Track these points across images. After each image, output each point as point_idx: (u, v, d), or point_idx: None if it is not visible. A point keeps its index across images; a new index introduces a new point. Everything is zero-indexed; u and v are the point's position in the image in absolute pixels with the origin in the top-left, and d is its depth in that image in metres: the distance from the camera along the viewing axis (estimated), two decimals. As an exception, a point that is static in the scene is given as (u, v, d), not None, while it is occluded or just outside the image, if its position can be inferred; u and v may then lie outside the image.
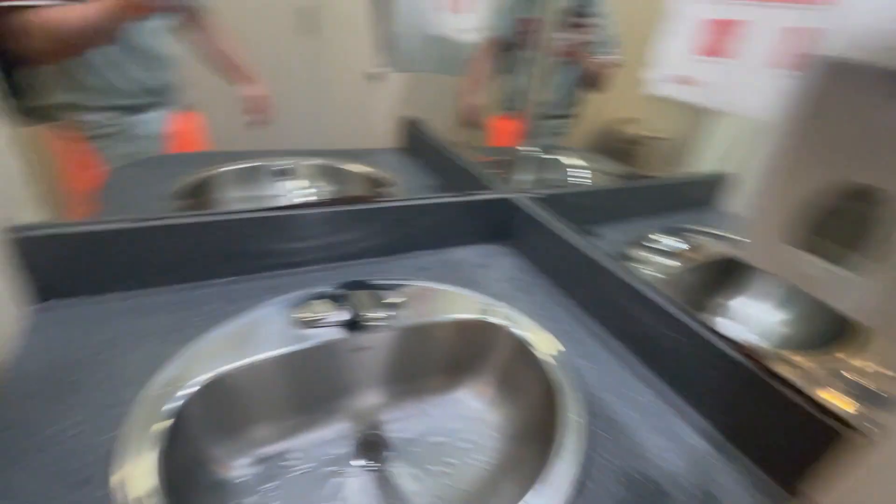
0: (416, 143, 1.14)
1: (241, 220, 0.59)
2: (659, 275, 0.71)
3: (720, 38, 0.45)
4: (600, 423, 0.49)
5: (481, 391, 0.63)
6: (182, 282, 0.59)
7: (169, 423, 0.42)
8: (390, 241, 0.72)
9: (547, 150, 1.06)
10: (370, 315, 0.47)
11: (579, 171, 1.02)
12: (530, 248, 0.77)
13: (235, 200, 0.91)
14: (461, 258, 0.76)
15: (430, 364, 0.63)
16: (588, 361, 0.57)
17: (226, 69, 0.84)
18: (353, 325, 0.56)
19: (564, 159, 1.03)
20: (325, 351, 0.55)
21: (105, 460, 0.38)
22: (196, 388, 0.46)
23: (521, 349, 0.59)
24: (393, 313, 0.47)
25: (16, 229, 0.49)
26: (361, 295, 0.56)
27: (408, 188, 0.94)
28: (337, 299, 0.56)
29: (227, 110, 1.09)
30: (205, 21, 0.83)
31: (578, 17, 0.71)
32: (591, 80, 0.93)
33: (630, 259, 0.74)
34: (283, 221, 0.62)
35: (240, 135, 1.12)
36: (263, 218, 0.61)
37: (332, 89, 1.21)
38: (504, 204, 0.80)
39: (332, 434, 0.57)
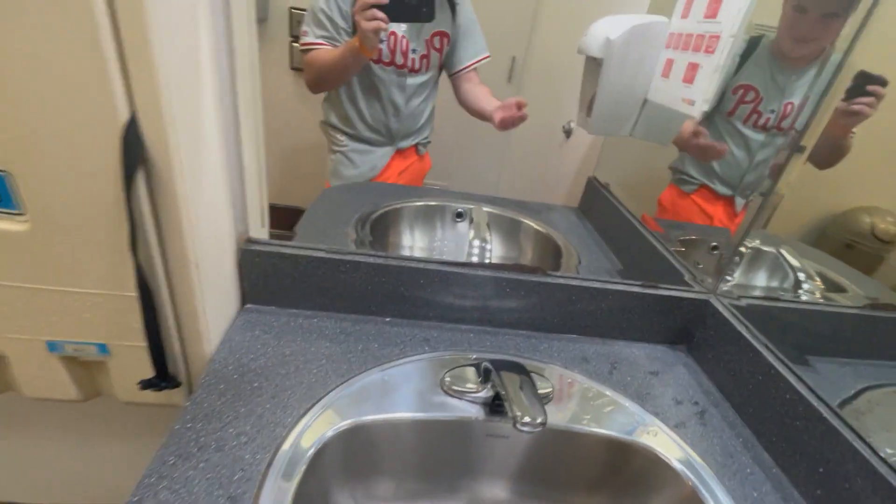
0: (598, 205, 1.06)
1: (412, 268, 0.61)
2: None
3: None
4: None
5: (624, 534, 0.52)
6: (351, 311, 0.63)
7: (309, 459, 0.43)
8: (554, 318, 0.66)
9: (765, 241, 0.87)
10: (519, 415, 0.42)
11: (807, 277, 0.81)
12: (716, 361, 0.62)
13: (412, 234, 0.96)
14: (629, 356, 0.66)
15: (568, 475, 0.55)
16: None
17: (479, 113, 0.96)
18: (496, 409, 0.51)
19: (791, 258, 0.83)
20: (460, 426, 0.51)
21: (256, 480, 0.41)
22: (336, 431, 0.47)
23: (689, 497, 0.47)
24: (540, 419, 0.41)
25: (249, 241, 0.58)
26: (514, 380, 0.52)
27: (580, 258, 0.87)
28: (488, 375, 0.52)
29: (445, 150, 1.20)
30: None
31: (878, 83, 0.54)
32: (834, 154, 0.71)
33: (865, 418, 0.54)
34: (451, 276, 0.62)
35: (438, 172, 1.22)
36: (433, 270, 0.61)
37: (525, 139, 1.22)
38: (695, 304, 0.67)
39: (447, 516, 0.53)
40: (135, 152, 0.40)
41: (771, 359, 0.54)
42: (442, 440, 0.52)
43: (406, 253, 0.95)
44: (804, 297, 0.77)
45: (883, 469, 0.41)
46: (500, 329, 0.66)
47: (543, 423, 0.42)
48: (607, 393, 0.57)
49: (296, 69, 1.01)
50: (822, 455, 0.47)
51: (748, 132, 0.75)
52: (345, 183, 1.01)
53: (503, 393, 0.46)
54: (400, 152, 1.04)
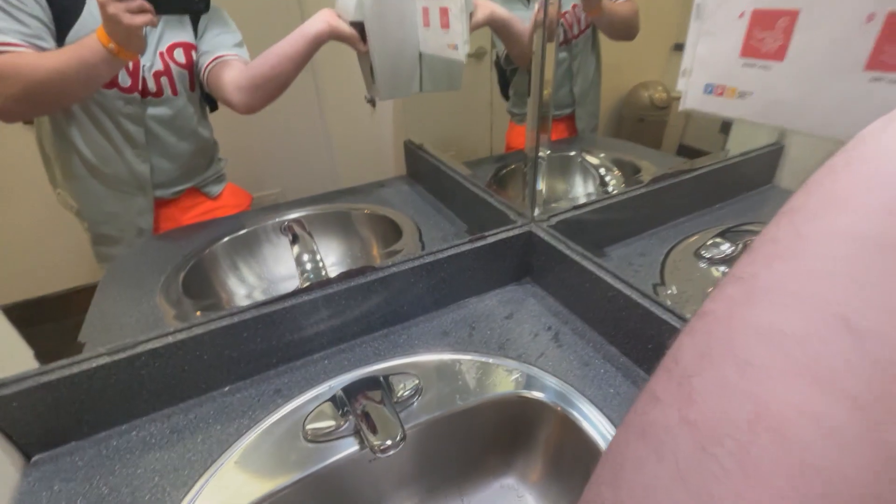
0: (422, 168, 1.05)
1: (225, 327, 0.53)
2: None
3: (772, 34, 0.34)
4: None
5: (529, 478, 0.55)
6: (177, 401, 0.54)
7: None
8: (402, 306, 0.64)
9: (567, 150, 0.94)
10: (376, 444, 0.39)
11: (607, 170, 0.90)
12: (556, 282, 0.67)
13: (240, 276, 0.85)
14: (484, 310, 0.67)
15: (466, 450, 0.55)
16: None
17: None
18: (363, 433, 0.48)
19: (591, 158, 0.92)
20: (340, 469, 0.47)
21: None
22: (195, 555, 0.40)
23: (568, 425, 0.50)
24: (397, 437, 0.40)
25: (-14, 388, 0.45)
26: (370, 397, 0.49)
27: (419, 231, 0.86)
28: (343, 407, 0.49)
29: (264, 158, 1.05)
30: None
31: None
32: (619, 26, 0.79)
33: (670, 281, 0.63)
34: (280, 315, 0.55)
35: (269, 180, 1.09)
36: (251, 320, 0.54)
37: (337, 119, 1.14)
38: (522, 238, 0.70)
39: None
40: None
41: (589, 265, 0.59)
42: (330, 488, 0.48)
43: (244, 301, 0.84)
44: (609, 191, 0.87)
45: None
46: (354, 341, 0.62)
47: (403, 439, 0.40)
48: (470, 358, 0.58)
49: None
50: (646, 333, 0.53)
51: None
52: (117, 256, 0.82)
53: (360, 429, 0.43)
54: (171, 203, 0.85)
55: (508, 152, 0.97)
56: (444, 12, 0.76)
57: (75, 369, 0.47)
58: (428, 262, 0.63)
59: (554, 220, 0.68)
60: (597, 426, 0.48)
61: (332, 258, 0.91)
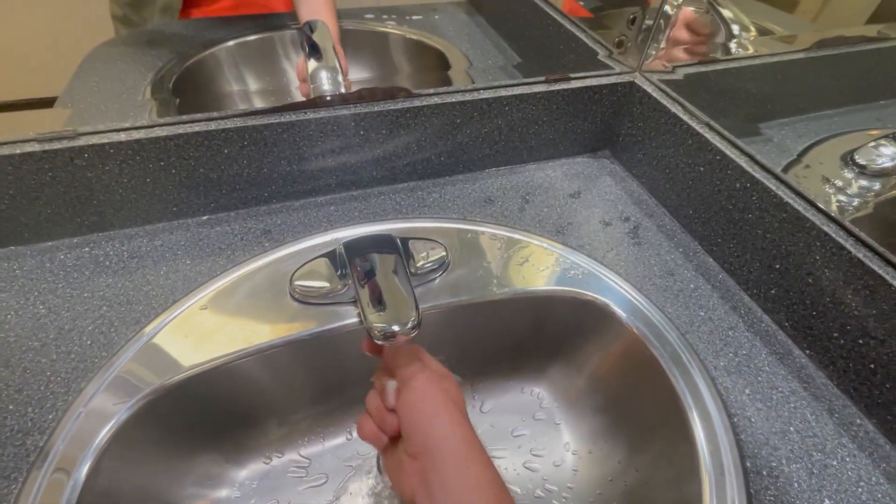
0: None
1: (208, 132, 0.39)
2: None
3: None
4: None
5: (564, 395, 0.44)
6: (142, 222, 0.42)
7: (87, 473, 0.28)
8: (440, 155, 0.49)
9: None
10: (377, 327, 0.27)
11: (742, 27, 0.65)
12: (648, 160, 0.49)
13: (242, 90, 0.69)
14: (543, 181, 0.51)
15: (490, 344, 0.44)
16: (742, 377, 0.35)
17: None
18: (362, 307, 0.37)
19: (722, 7, 0.66)
20: (331, 340, 0.37)
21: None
22: (133, 408, 0.31)
23: (634, 346, 0.38)
24: (410, 323, 0.28)
25: None
26: (379, 264, 0.36)
27: (470, 63, 0.66)
28: (343, 268, 0.36)
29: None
30: None
31: None
32: None
33: (835, 187, 0.44)
34: (274, 133, 0.41)
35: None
36: (243, 128, 0.39)
37: None
38: (617, 90, 0.50)
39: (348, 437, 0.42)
40: None
41: (716, 140, 0.41)
42: (314, 360, 0.39)
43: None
44: (744, 53, 0.63)
45: (863, 253, 0.32)
46: (371, 189, 0.48)
47: (416, 327, 0.28)
48: (520, 237, 0.44)
49: None
50: (781, 248, 0.37)
51: None
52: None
53: (357, 300, 0.30)
54: None
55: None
56: None
57: (5, 150, 0.35)
58: (484, 98, 0.45)
59: (679, 73, 0.47)
60: (675, 357, 0.35)
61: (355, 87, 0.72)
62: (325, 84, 0.55)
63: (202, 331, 0.35)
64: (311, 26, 0.60)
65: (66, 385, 0.32)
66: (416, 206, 0.47)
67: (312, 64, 0.60)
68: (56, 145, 0.36)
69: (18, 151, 0.35)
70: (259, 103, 0.71)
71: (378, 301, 0.29)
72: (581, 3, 0.66)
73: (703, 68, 0.49)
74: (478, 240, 0.44)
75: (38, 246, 0.40)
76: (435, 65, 0.70)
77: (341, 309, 0.37)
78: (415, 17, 0.82)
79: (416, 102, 0.44)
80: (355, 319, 0.36)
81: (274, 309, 0.36)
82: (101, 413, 0.30)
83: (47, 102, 0.55)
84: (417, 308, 0.29)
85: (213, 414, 0.37)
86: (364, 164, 0.46)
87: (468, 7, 0.87)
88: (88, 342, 0.34)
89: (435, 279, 0.39)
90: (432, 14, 0.84)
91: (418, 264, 0.38)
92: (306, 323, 0.36)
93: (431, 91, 0.45)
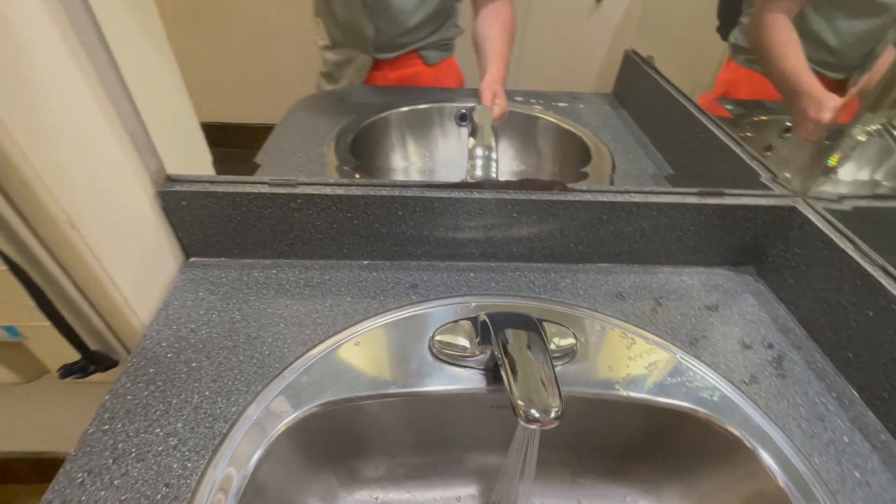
0: (638, 87, 0.83)
1: (384, 196, 0.46)
2: None
3: None
4: None
5: (670, 512, 0.42)
6: (319, 256, 0.50)
7: (255, 463, 0.34)
8: (578, 245, 0.51)
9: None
10: (522, 406, 0.30)
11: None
12: (802, 287, 0.47)
13: (404, 150, 0.79)
14: (679, 287, 0.51)
15: (602, 443, 0.44)
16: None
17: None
18: (498, 375, 0.39)
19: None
20: (457, 399, 0.40)
21: (185, 499, 0.32)
22: (291, 423, 0.36)
23: (769, 490, 0.35)
24: (553, 413, 0.30)
25: (169, 180, 0.45)
26: (517, 337, 0.39)
27: (614, 161, 0.69)
28: (485, 333, 0.40)
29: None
30: None
31: None
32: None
33: None
34: (437, 203, 0.47)
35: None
36: (412, 198, 0.46)
37: (545, 9, 0.95)
38: (774, 212, 0.49)
39: (454, 495, 0.44)
40: None
41: (893, 288, 0.38)
42: (437, 414, 0.42)
43: (399, 176, 0.79)
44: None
45: None
46: (508, 263, 0.52)
47: (559, 417, 0.30)
48: (649, 340, 0.44)
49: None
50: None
51: None
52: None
53: (503, 372, 0.33)
54: (387, 63, 0.80)
55: (734, 98, 0.69)
56: None
57: (239, 188, 0.45)
58: (634, 201, 0.48)
59: (846, 204, 0.45)
60: (821, 514, 0.32)
61: (503, 163, 0.79)
62: (480, 161, 0.62)
63: (353, 367, 0.40)
64: (473, 108, 0.68)
65: (246, 385, 0.38)
66: (548, 287, 0.50)
67: (472, 141, 0.68)
68: (280, 189, 0.45)
69: (255, 191, 0.45)
70: (418, 164, 0.81)
71: (525, 380, 0.32)
72: (723, 105, 0.66)
73: (878, 203, 0.47)
74: (606, 333, 0.45)
75: (241, 261, 0.50)
76: (578, 154, 0.74)
77: (473, 374, 0.40)
78: (560, 104, 0.88)
79: (570, 196, 0.47)
80: (483, 386, 0.39)
81: (413, 359, 0.41)
82: (272, 416, 0.36)
83: (264, 129, 0.69)
84: (562, 398, 0.31)
85: (338, 440, 0.41)
86: (507, 240, 0.51)
87: (612, 99, 0.91)
88: (267, 352, 0.41)
89: (558, 366, 0.41)
90: (577, 103, 0.89)
91: (549, 347, 0.40)
92: (440, 379, 0.39)
93: (585, 188, 0.48)
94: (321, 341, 0.42)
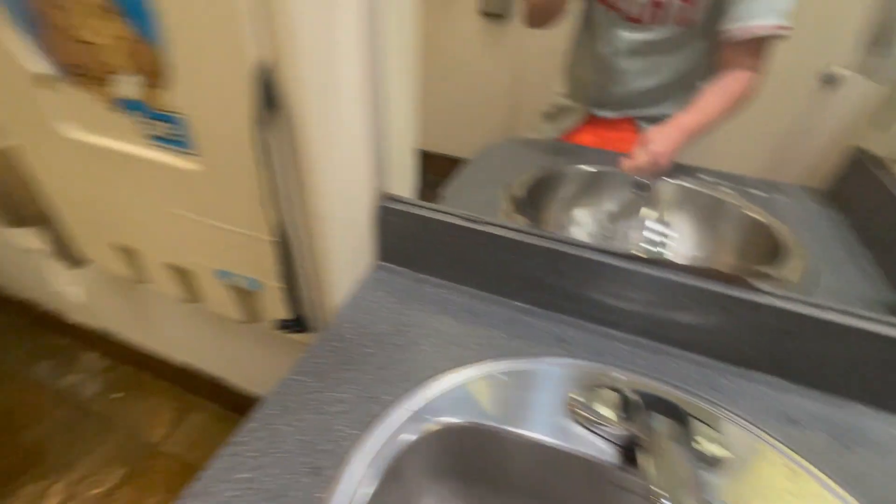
0: (861, 189, 0.73)
1: (553, 250, 0.49)
2: None
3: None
4: None
5: None
6: (483, 288, 0.56)
7: (394, 455, 0.39)
8: (748, 349, 0.47)
9: None
10: (662, 495, 0.29)
11: None
12: None
13: (575, 206, 0.82)
14: (878, 434, 0.43)
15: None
16: None
17: None
18: (633, 456, 0.39)
19: None
20: (580, 464, 0.41)
21: (341, 456, 0.39)
22: (435, 428, 0.41)
23: None
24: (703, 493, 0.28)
25: (388, 198, 0.55)
26: (663, 424, 0.38)
27: (811, 266, 0.61)
28: (633, 410, 0.40)
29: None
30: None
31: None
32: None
33: None
34: (602, 268, 0.48)
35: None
36: (577, 257, 0.49)
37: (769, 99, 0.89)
38: None
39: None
40: (267, 97, 0.38)
41: None
42: (552, 469, 0.43)
43: (563, 230, 0.82)
44: None
45: None
46: (664, 346, 0.50)
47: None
48: (824, 484, 0.38)
49: (488, 14, 0.92)
50: None
51: None
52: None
53: (641, 455, 0.33)
54: (601, 122, 0.84)
55: None
56: None
57: (435, 215, 0.53)
58: (831, 320, 0.43)
59: None
60: None
61: (680, 245, 0.76)
62: (650, 233, 0.62)
63: (496, 395, 0.44)
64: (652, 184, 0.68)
65: (404, 380, 0.45)
66: (702, 384, 0.47)
67: (645, 211, 0.67)
68: (468, 224, 0.52)
69: (447, 220, 0.53)
70: (580, 221, 0.83)
71: (668, 473, 0.31)
72: None
73: None
74: (766, 456, 0.40)
75: (418, 275, 0.58)
76: (762, 250, 0.68)
77: (604, 444, 0.40)
78: (754, 192, 0.81)
79: (751, 296, 0.45)
80: (608, 459, 0.39)
81: (547, 409, 0.42)
82: (420, 416, 0.41)
83: (450, 160, 0.79)
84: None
85: (462, 459, 0.45)
86: (666, 322, 0.49)
87: (823, 197, 0.81)
88: (423, 358, 0.47)
89: (701, 474, 0.38)
90: (775, 192, 0.81)
91: (693, 445, 0.38)
92: (564, 437, 0.40)
93: (771, 291, 0.45)
94: (471, 364, 0.46)
